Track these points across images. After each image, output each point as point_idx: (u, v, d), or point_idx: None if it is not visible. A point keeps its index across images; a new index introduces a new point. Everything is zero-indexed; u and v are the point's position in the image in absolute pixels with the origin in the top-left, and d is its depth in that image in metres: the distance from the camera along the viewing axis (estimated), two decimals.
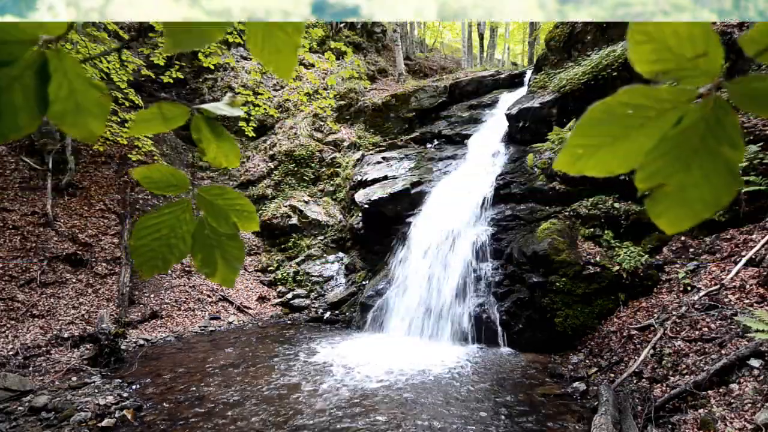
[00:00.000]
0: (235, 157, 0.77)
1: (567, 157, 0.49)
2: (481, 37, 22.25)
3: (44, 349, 6.43)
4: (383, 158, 11.61)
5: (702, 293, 4.89)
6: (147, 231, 0.72)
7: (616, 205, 6.73)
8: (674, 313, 4.96)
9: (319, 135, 13.60)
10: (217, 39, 0.57)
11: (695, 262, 5.61)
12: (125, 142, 9.48)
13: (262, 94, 8.99)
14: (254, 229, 0.77)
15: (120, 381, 5.46)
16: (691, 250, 5.86)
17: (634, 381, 4.51)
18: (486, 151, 9.88)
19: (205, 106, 0.69)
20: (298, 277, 10.60)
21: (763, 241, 4.79)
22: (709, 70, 0.43)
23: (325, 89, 11.03)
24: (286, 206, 11.87)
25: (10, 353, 6.14)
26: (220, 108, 0.71)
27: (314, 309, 9.63)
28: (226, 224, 0.74)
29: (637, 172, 0.47)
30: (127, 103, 8.63)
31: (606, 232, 6.68)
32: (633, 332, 5.27)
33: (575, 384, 4.99)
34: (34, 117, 0.51)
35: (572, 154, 0.48)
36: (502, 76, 13.08)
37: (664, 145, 0.45)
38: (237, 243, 0.76)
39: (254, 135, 10.04)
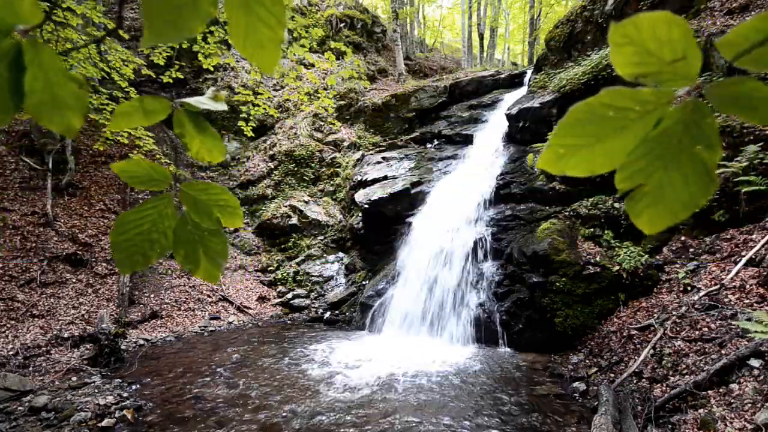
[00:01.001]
0: (218, 153, 0.76)
1: (550, 156, 0.49)
2: (481, 37, 22.24)
3: (44, 349, 6.44)
4: (383, 158, 11.61)
5: (702, 293, 4.87)
6: (128, 226, 0.71)
7: (616, 205, 6.71)
8: (674, 313, 4.94)
9: (319, 135, 13.60)
10: (198, 31, 0.56)
11: (695, 262, 5.59)
12: (126, 141, 9.49)
13: (262, 94, 8.98)
14: (237, 225, 0.76)
15: (120, 381, 5.47)
16: (691, 250, 5.84)
17: (634, 381, 4.50)
18: (486, 151, 9.87)
19: (187, 100, 0.68)
20: (298, 277, 10.60)
21: (763, 241, 4.77)
22: (688, 74, 0.44)
23: (325, 89, 11.03)
24: (286, 206, 11.88)
25: (10, 353, 6.15)
26: (203, 102, 0.70)
27: (314, 309, 9.63)
28: (209, 220, 0.74)
29: (618, 172, 0.47)
30: None
31: (606, 232, 6.66)
32: (633, 332, 5.25)
33: (575, 384, 4.99)
34: (8, 109, 0.50)
35: (554, 153, 0.49)
36: (502, 76, 13.07)
37: (645, 146, 0.46)
38: (220, 238, 0.75)
39: (254, 135, 10.05)
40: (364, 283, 9.75)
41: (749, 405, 3.39)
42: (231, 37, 0.60)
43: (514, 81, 12.75)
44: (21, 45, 0.50)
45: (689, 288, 5.26)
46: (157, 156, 10.66)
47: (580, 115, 0.46)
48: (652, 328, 5.06)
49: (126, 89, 8.14)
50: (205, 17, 0.58)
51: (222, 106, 0.72)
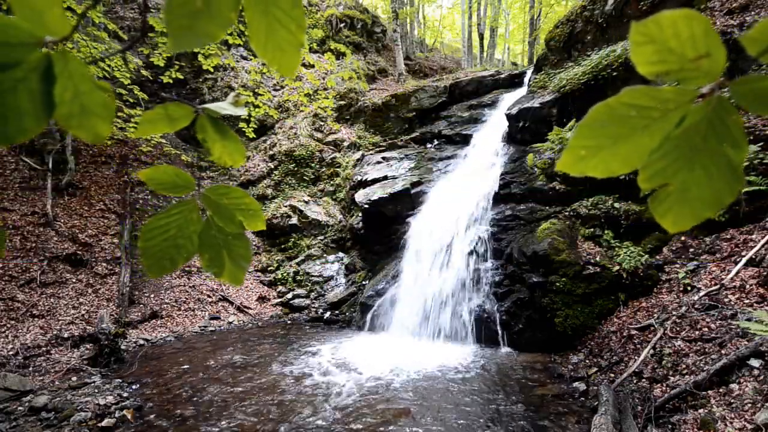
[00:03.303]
0: (240, 156, 0.77)
1: (569, 158, 0.49)
2: (481, 37, 22.25)
3: (44, 349, 6.42)
4: (383, 158, 11.61)
5: (702, 293, 4.89)
6: (156, 232, 0.72)
7: (616, 205, 6.73)
8: (674, 313, 4.96)
9: (319, 135, 13.60)
10: (219, 38, 0.57)
11: (695, 262, 5.61)
12: (134, 136, 9.52)
13: (262, 94, 8.98)
14: (260, 228, 0.78)
15: (120, 381, 5.46)
16: (691, 250, 5.86)
17: (634, 381, 4.51)
18: (486, 150, 9.88)
19: (209, 106, 0.70)
20: (298, 277, 10.60)
21: (763, 241, 4.79)
22: (711, 71, 0.43)
23: (324, 89, 11.02)
24: (286, 206, 11.87)
25: (10, 353, 6.14)
26: (224, 108, 0.71)
27: (314, 309, 9.63)
28: (232, 223, 0.75)
29: (641, 172, 0.47)
30: (131, 100, 8.63)
31: (606, 232, 6.68)
32: (633, 332, 5.27)
33: (575, 384, 5.00)
34: (39, 119, 0.51)
35: (575, 154, 0.49)
36: (502, 76, 13.08)
37: (667, 145, 0.46)
38: (244, 242, 0.76)
39: (254, 135, 10.05)
40: (364, 283, 9.75)
41: (749, 405, 3.40)
42: (251, 41, 0.60)
43: (514, 81, 12.75)
44: (50, 56, 0.50)
45: (689, 288, 5.28)
46: (166, 148, 10.67)
47: (600, 115, 0.46)
48: (652, 328, 5.07)
49: (129, 87, 8.14)
50: (226, 23, 0.58)
51: (242, 111, 0.73)
